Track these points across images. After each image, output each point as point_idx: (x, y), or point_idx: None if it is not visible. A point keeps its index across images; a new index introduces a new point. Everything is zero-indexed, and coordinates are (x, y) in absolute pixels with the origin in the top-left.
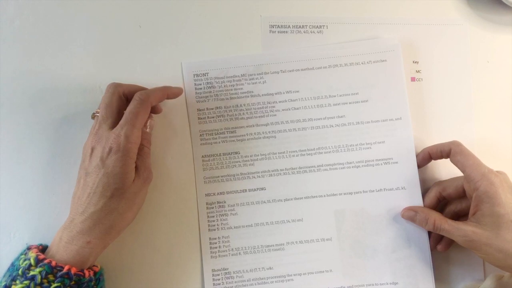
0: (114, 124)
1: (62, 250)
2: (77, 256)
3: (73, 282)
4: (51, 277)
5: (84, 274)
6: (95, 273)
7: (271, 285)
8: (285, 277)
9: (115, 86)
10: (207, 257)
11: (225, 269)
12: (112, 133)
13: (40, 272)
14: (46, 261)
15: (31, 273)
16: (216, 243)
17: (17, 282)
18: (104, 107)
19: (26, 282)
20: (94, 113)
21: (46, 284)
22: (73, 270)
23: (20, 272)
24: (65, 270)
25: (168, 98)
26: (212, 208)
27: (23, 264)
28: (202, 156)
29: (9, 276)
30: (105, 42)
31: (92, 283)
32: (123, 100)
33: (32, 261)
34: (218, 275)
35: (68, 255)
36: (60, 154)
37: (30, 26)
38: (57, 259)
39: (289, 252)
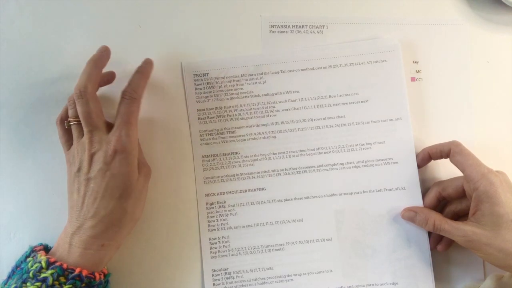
0: (105, 127)
1: (75, 255)
2: (91, 259)
3: (83, 285)
4: (62, 279)
5: (95, 276)
6: (104, 276)
7: (271, 285)
8: (285, 277)
9: (84, 92)
10: (207, 257)
11: (225, 269)
12: (112, 136)
13: (51, 274)
14: (57, 264)
15: (43, 275)
16: (216, 243)
17: (28, 284)
18: (86, 117)
19: (38, 284)
20: (69, 121)
21: (57, 286)
22: (84, 272)
23: (31, 274)
24: (76, 272)
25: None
26: (212, 208)
27: (33, 267)
28: (202, 156)
29: (19, 278)
30: (105, 42)
31: (102, 287)
32: (98, 99)
33: (43, 264)
34: (218, 275)
35: (83, 259)
36: (60, 154)
37: (30, 26)
38: (70, 263)
39: (289, 252)
